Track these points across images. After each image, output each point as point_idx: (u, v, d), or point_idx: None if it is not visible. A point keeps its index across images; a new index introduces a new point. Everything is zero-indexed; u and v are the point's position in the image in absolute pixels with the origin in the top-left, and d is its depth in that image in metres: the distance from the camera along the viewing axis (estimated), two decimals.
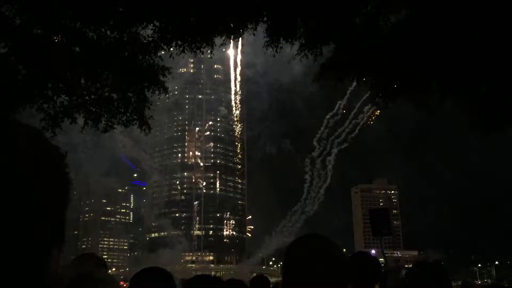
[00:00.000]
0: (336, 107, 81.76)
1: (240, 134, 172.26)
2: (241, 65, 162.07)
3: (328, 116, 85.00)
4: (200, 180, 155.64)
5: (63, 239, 0.87)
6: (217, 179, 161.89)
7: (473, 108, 9.88)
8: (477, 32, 8.17)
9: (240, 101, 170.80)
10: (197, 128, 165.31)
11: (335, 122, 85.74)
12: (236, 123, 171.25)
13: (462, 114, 10.40)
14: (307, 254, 1.96)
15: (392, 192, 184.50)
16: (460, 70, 8.76)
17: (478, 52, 8.39)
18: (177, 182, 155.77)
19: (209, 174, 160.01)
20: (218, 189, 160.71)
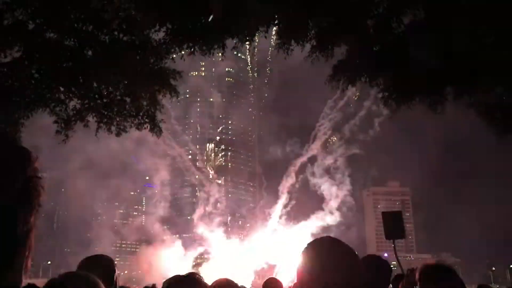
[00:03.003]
0: (346, 99, 78.90)
1: (251, 137, 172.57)
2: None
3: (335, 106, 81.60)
4: (211, 183, 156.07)
5: (29, 246, 0.82)
6: (228, 182, 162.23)
7: (488, 110, 9.75)
8: (492, 31, 8.06)
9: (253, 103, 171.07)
10: (209, 131, 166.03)
11: (344, 116, 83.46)
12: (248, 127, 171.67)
13: (477, 115, 10.26)
14: (321, 257, 1.94)
15: (405, 195, 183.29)
16: (475, 70, 8.65)
17: (493, 51, 8.27)
18: (189, 185, 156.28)
19: (220, 177, 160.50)
20: (230, 191, 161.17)
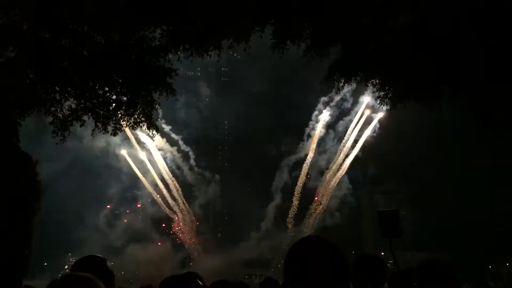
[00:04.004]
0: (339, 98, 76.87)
1: (247, 136, 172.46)
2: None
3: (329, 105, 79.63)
4: (207, 183, 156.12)
5: (30, 248, 0.83)
6: (226, 182, 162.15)
7: (484, 109, 9.78)
8: (487, 33, 8.10)
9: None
10: (205, 131, 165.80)
11: (340, 112, 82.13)
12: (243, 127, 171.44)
13: (472, 114, 10.30)
14: (307, 255, 1.96)
15: (401, 193, 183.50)
16: (469, 70, 8.69)
17: (488, 52, 8.31)
18: (186, 185, 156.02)
19: (215, 176, 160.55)
20: (228, 191, 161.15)
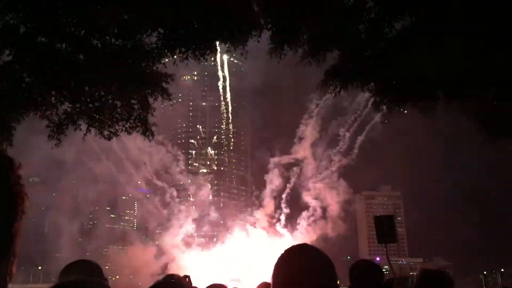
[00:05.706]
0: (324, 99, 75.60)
1: (243, 141, 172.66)
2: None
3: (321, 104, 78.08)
4: (204, 187, 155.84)
5: (14, 252, 0.82)
6: (220, 186, 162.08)
7: (480, 114, 9.82)
8: (483, 37, 8.13)
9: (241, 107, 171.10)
10: (201, 135, 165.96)
11: (334, 112, 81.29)
12: (239, 130, 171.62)
13: (468, 119, 10.33)
14: (295, 264, 1.97)
15: (397, 199, 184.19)
16: (465, 75, 8.72)
17: (484, 57, 8.34)
18: (181, 189, 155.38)
19: (212, 181, 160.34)
20: (222, 195, 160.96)
